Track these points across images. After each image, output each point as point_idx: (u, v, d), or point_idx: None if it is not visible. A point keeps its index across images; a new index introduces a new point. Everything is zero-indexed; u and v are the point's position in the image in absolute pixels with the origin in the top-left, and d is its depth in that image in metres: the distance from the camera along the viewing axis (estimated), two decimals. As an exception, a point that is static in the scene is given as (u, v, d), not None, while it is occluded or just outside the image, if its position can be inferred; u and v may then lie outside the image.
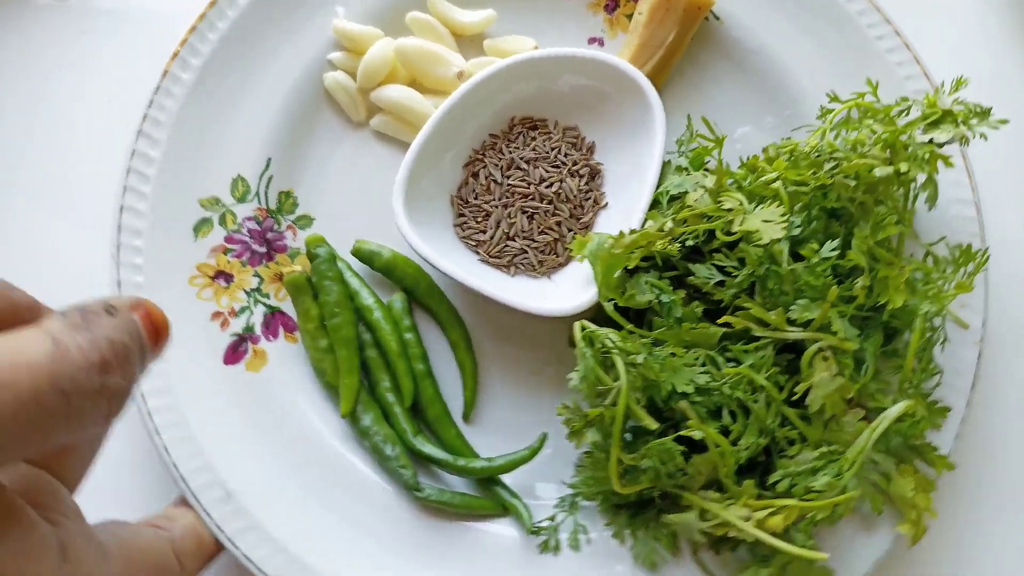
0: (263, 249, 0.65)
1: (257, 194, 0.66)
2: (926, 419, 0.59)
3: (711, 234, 0.58)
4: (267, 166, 0.66)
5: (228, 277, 0.64)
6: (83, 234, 0.68)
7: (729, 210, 0.54)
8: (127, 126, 0.63)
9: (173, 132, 0.64)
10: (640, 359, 0.54)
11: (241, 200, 0.66)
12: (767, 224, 0.53)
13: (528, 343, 0.66)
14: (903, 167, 0.56)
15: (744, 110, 0.70)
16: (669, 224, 0.56)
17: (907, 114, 0.62)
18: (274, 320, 0.64)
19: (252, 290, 0.64)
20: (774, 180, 0.57)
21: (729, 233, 0.56)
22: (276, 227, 0.66)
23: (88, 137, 0.71)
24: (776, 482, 0.55)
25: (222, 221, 0.65)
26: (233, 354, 0.62)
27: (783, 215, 0.53)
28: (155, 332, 0.36)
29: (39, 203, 0.70)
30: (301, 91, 0.68)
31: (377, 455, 0.61)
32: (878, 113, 0.63)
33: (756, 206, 0.56)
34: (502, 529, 0.62)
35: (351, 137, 0.69)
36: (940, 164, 0.58)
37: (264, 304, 0.64)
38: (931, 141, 0.58)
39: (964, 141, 0.59)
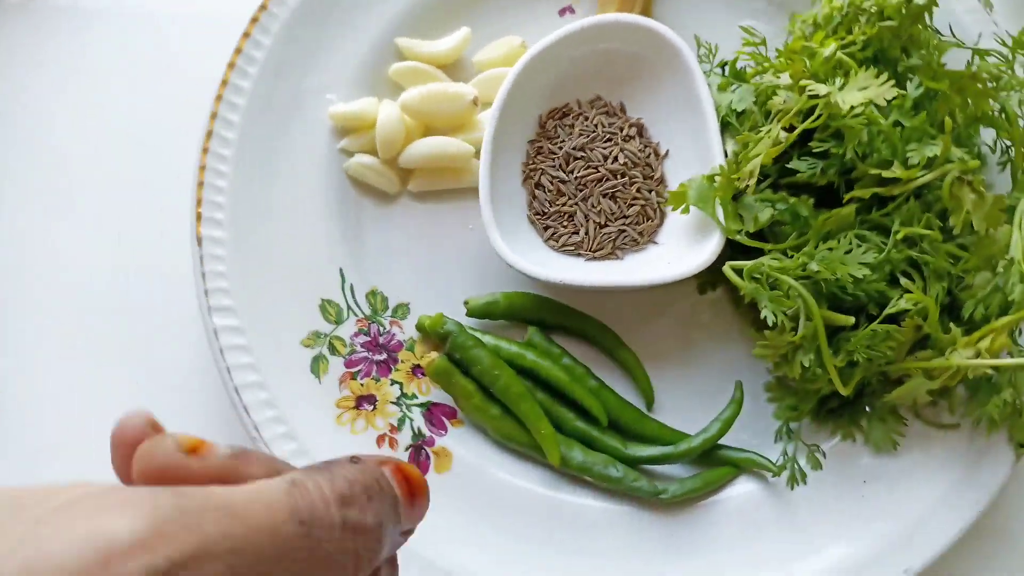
0: (383, 356, 0.62)
1: (350, 307, 0.63)
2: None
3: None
4: (343, 278, 0.63)
5: (371, 399, 0.61)
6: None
7: (825, 95, 0.54)
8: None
9: (242, 291, 0.60)
10: (813, 266, 0.54)
11: (338, 321, 0.62)
12: (868, 91, 0.53)
13: (666, 314, 0.65)
14: (937, -18, 0.57)
15: (732, 5, 0.70)
16: (781, 133, 0.56)
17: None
18: (433, 415, 0.61)
19: (398, 398, 0.61)
20: (833, 54, 0.58)
21: (829, 119, 0.56)
22: (383, 329, 0.63)
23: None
24: (970, 315, 0.57)
25: (333, 350, 0.61)
26: (419, 467, 0.59)
27: (876, 75, 0.54)
28: (410, 490, 0.33)
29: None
30: (331, 192, 0.64)
31: (606, 482, 0.59)
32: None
33: (834, 82, 0.57)
34: (736, 491, 0.61)
35: (397, 210, 0.66)
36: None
37: (416, 405, 0.61)
38: (937, -48, 0.59)
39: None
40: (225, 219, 0.61)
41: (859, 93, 0.54)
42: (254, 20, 0.64)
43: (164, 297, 0.66)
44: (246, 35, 0.64)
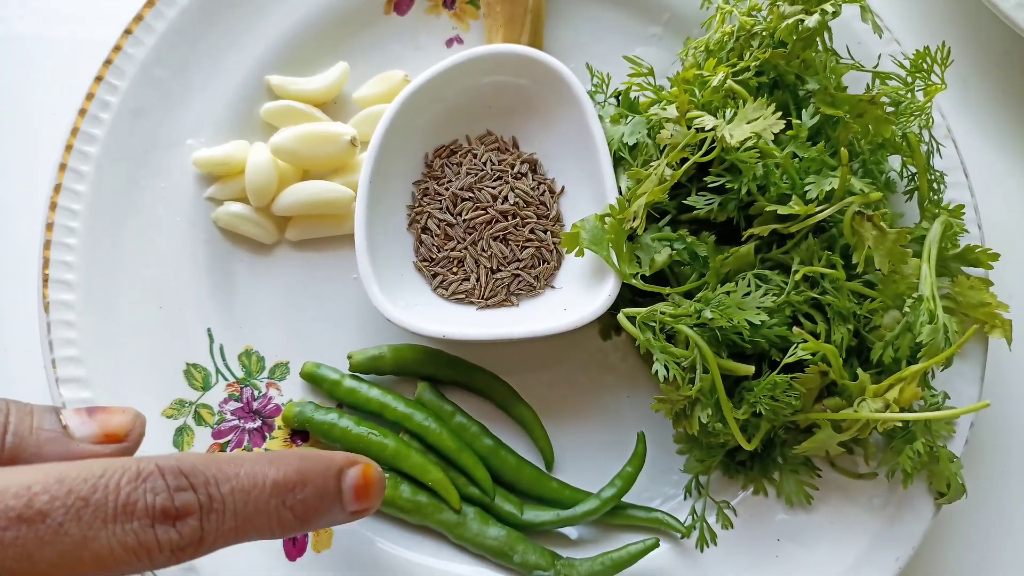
0: (257, 423, 0.57)
1: (219, 371, 0.57)
2: (951, 223, 0.58)
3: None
4: (211, 338, 0.58)
5: (241, 472, 0.55)
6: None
7: (712, 128, 0.51)
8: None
9: (95, 359, 0.54)
10: (707, 314, 0.50)
11: (206, 387, 0.57)
12: (756, 124, 0.50)
13: (567, 362, 0.61)
14: (828, 7, 0.54)
15: (627, 33, 0.67)
16: (667, 172, 0.52)
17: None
18: (313, 486, 0.56)
19: (273, 470, 0.56)
20: (723, 81, 0.54)
21: (722, 152, 0.52)
22: (257, 393, 0.58)
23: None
24: (878, 359, 0.53)
25: (199, 420, 0.56)
26: (294, 547, 0.54)
27: (765, 106, 0.50)
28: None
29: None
30: (198, 245, 0.59)
31: (503, 559, 0.54)
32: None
33: (724, 114, 0.53)
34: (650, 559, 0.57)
35: (274, 261, 0.61)
36: None
37: (293, 477, 0.56)
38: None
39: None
40: (76, 280, 0.56)
41: (747, 126, 0.50)
42: (107, 63, 0.59)
43: (4, 369, 0.60)
44: (99, 79, 0.59)
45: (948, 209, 0.59)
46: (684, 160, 0.54)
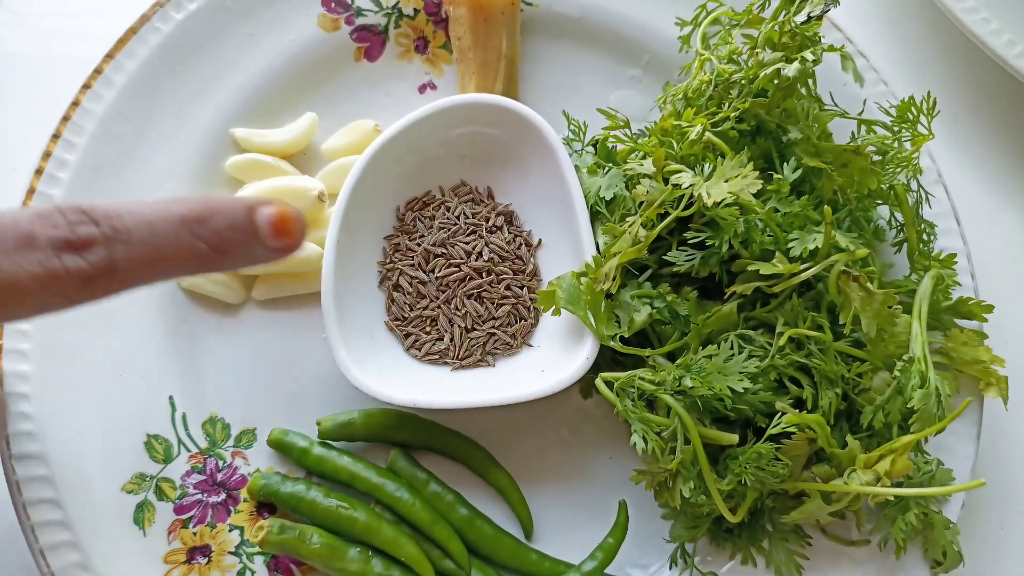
0: (221, 496, 0.54)
1: (181, 441, 0.55)
2: (943, 276, 0.56)
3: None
4: (173, 407, 0.55)
5: (204, 550, 0.53)
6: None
7: (690, 185, 0.49)
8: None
9: (50, 433, 0.52)
10: (688, 382, 0.48)
11: (167, 460, 0.54)
12: (736, 181, 0.48)
13: (546, 422, 0.58)
14: (808, 56, 0.52)
15: (605, 76, 0.65)
16: (641, 232, 0.50)
17: (768, 6, 0.59)
18: (280, 563, 0.54)
19: (238, 547, 0.53)
20: (700, 135, 0.52)
21: (700, 213, 0.50)
22: (222, 463, 0.55)
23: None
24: (868, 423, 0.51)
25: (161, 495, 0.53)
26: (260, 626, 0.52)
27: (742, 164, 0.48)
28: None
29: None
30: (160, 308, 0.57)
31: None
32: (740, 17, 0.59)
33: (703, 168, 0.51)
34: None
35: (240, 321, 0.58)
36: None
37: (260, 553, 0.54)
38: (810, 17, 0.54)
39: (834, 1, 0.56)
40: (31, 349, 0.53)
41: (725, 185, 0.48)
42: (65, 119, 0.57)
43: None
44: (56, 137, 0.57)
45: (939, 259, 0.57)
46: (662, 216, 0.52)
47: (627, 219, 0.54)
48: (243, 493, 0.55)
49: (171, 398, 0.55)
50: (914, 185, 0.57)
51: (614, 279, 0.51)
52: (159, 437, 0.54)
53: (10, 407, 0.52)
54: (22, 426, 0.52)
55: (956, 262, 0.58)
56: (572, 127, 0.61)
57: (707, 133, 0.52)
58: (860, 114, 0.57)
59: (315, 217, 0.59)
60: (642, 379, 0.50)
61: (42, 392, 0.53)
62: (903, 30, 0.72)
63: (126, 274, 0.39)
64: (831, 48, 0.51)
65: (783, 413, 0.48)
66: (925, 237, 0.57)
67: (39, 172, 0.56)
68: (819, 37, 0.53)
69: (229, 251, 0.42)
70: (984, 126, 0.70)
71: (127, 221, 0.40)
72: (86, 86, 0.58)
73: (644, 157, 0.54)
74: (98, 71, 0.58)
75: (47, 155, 0.56)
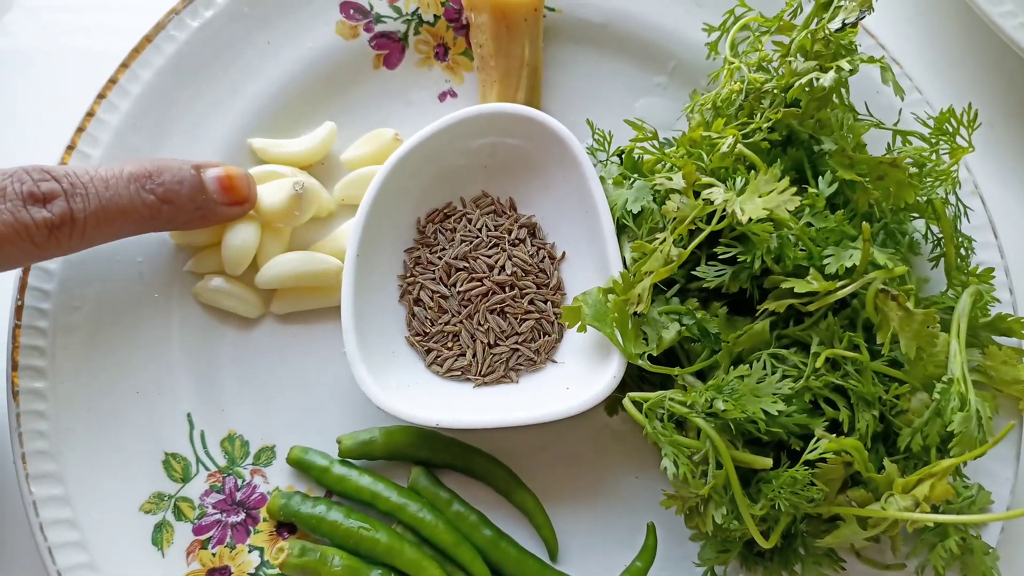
0: (240, 516, 0.53)
1: (199, 460, 0.54)
2: (981, 293, 0.55)
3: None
4: (191, 424, 0.54)
5: (224, 572, 0.52)
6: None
7: (723, 201, 0.47)
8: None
9: (67, 453, 0.51)
10: (720, 404, 0.47)
11: (185, 479, 0.53)
12: (769, 199, 0.46)
13: (570, 440, 0.57)
14: (845, 65, 0.50)
15: (630, 83, 0.63)
16: (674, 251, 0.48)
17: (800, 13, 0.57)
18: (300, 583, 0.53)
19: (258, 568, 0.52)
20: (731, 147, 0.51)
21: (730, 227, 0.49)
22: (241, 482, 0.54)
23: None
24: (906, 446, 0.49)
25: (179, 515, 0.52)
26: (281, 652, 0.51)
27: (776, 179, 0.47)
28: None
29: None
30: (176, 322, 0.56)
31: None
32: (771, 23, 0.57)
33: (734, 182, 0.49)
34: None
35: (259, 336, 0.57)
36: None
37: (280, 575, 0.52)
38: (844, 25, 0.53)
39: (868, 6, 0.54)
40: (46, 366, 0.53)
41: (759, 201, 0.47)
42: (80, 130, 0.56)
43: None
44: (71, 148, 0.56)
45: (977, 274, 0.55)
46: (692, 232, 0.50)
47: (656, 234, 0.52)
48: (263, 513, 0.54)
49: (189, 415, 0.54)
50: (951, 198, 0.55)
51: (646, 301, 0.49)
52: (177, 455, 0.53)
53: (26, 425, 0.51)
54: (38, 445, 0.51)
55: (994, 276, 0.56)
56: (597, 137, 0.60)
57: (738, 145, 0.50)
58: (895, 124, 0.55)
59: (294, 210, 0.56)
60: (672, 400, 0.48)
61: (58, 410, 0.52)
62: (935, 34, 0.70)
63: (85, 224, 0.47)
64: (871, 59, 0.49)
65: (819, 438, 0.46)
66: (963, 252, 0.55)
67: (54, 184, 0.55)
68: (855, 46, 0.52)
69: (177, 202, 0.49)
70: (1020, 133, 0.68)
71: (84, 179, 0.47)
72: (101, 96, 0.57)
73: (671, 170, 0.52)
74: (113, 81, 0.57)
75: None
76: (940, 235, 0.55)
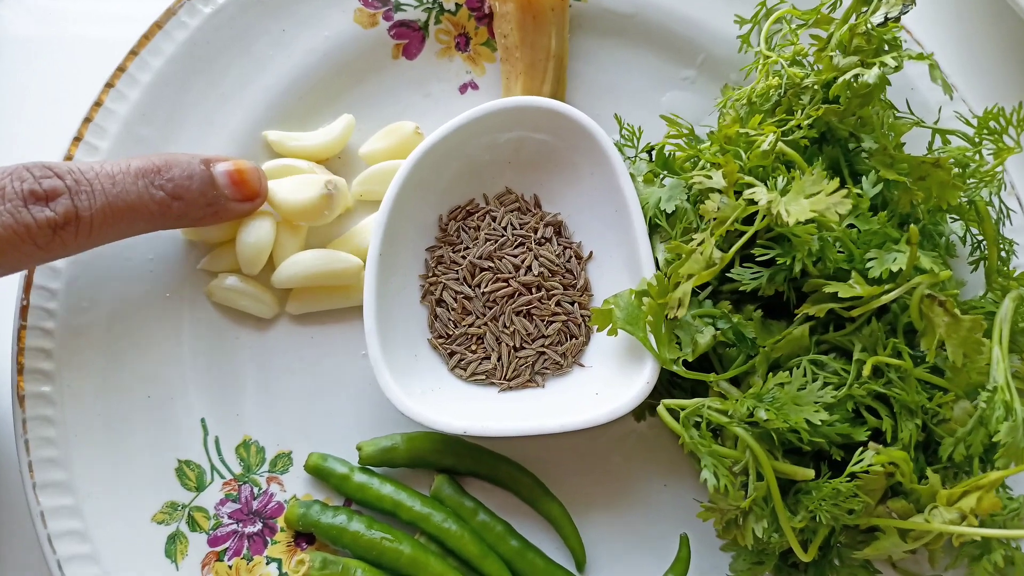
0: (257, 526, 0.51)
1: (214, 468, 0.52)
2: (1022, 296, 0.53)
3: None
4: (205, 430, 0.52)
5: (241, 584, 0.50)
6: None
7: (767, 202, 0.45)
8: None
9: (76, 461, 0.49)
10: (761, 414, 0.45)
11: (200, 487, 0.51)
12: (816, 200, 0.44)
13: (597, 446, 0.55)
14: (889, 61, 0.48)
15: (658, 76, 0.61)
16: (716, 253, 0.46)
17: (839, 7, 0.55)
18: (320, 595, 0.51)
19: (276, 580, 0.50)
20: (772, 146, 0.49)
21: (767, 227, 0.47)
22: (257, 490, 0.52)
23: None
24: (948, 455, 0.48)
25: (193, 525, 0.50)
26: (301, 666, 0.49)
27: (825, 178, 0.45)
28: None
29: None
30: (188, 323, 0.54)
31: None
32: (808, 16, 0.55)
33: (774, 182, 0.47)
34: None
35: (274, 337, 0.55)
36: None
37: (299, 586, 0.51)
38: (887, 19, 0.51)
39: (912, 1, 0.52)
40: (54, 369, 0.50)
41: (806, 202, 0.45)
42: (87, 120, 0.53)
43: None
44: (77, 139, 0.53)
45: (1015, 277, 0.54)
46: (729, 233, 0.49)
47: (691, 235, 0.51)
48: (280, 522, 0.52)
49: (203, 420, 0.52)
50: (994, 200, 0.53)
51: (685, 306, 0.47)
52: (191, 463, 0.51)
53: (32, 432, 0.49)
54: (46, 452, 0.49)
55: (1032, 274, 0.55)
56: (625, 132, 0.58)
57: (779, 144, 0.49)
58: (936, 123, 0.54)
59: (324, 210, 0.54)
60: (711, 408, 0.47)
61: (66, 416, 0.50)
62: (968, 29, 0.68)
63: (91, 223, 0.44)
64: (919, 56, 0.47)
65: (863, 448, 0.45)
66: (1003, 255, 0.54)
67: (60, 178, 0.52)
68: (899, 41, 0.50)
69: (188, 198, 0.47)
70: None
71: (89, 175, 0.44)
72: (109, 85, 0.54)
73: (706, 167, 0.50)
74: (121, 69, 0.54)
75: (68, 159, 0.53)
76: (980, 237, 0.53)
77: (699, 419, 0.47)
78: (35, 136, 0.59)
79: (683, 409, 0.48)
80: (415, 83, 0.60)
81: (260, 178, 0.51)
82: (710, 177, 0.48)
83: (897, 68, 0.49)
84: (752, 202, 0.47)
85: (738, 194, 0.49)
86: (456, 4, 0.60)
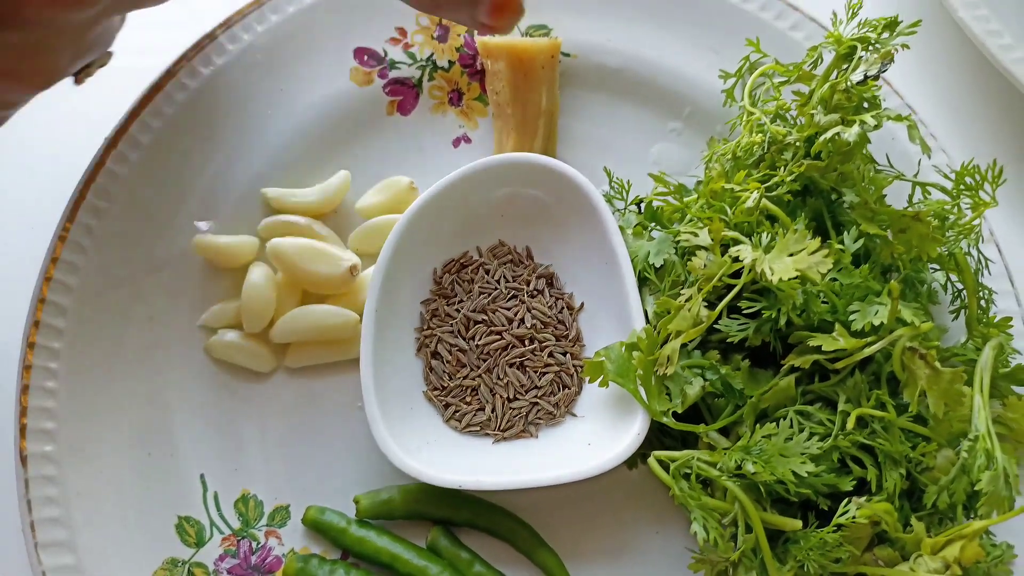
0: (257, 579, 0.52)
1: (213, 523, 0.52)
2: (1003, 346, 0.54)
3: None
4: (205, 486, 0.53)
5: (241, 640, 0.51)
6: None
7: (751, 260, 0.47)
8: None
9: (78, 520, 0.50)
10: (749, 466, 0.46)
11: (199, 543, 0.52)
12: (799, 259, 0.46)
13: (590, 495, 0.56)
14: (869, 120, 0.50)
15: (646, 129, 0.63)
16: (703, 311, 0.48)
17: (820, 63, 0.57)
18: (319, 649, 0.51)
19: (276, 634, 0.51)
20: (757, 203, 0.50)
21: (753, 280, 0.48)
22: (256, 545, 0.53)
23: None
24: (932, 503, 0.49)
25: (193, 581, 0.51)
26: None
27: (807, 236, 0.46)
28: None
29: None
30: (189, 379, 0.55)
31: None
32: (791, 74, 0.57)
33: (759, 238, 0.49)
34: None
35: (271, 390, 0.56)
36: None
37: (298, 640, 0.51)
38: (867, 77, 0.53)
39: (889, 59, 0.54)
40: (56, 429, 0.51)
41: (789, 260, 0.46)
42: (89, 182, 0.55)
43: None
44: (79, 200, 0.54)
45: (995, 323, 0.55)
46: (718, 288, 0.50)
47: (680, 289, 0.52)
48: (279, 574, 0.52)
49: (202, 476, 0.53)
50: (973, 251, 0.55)
51: (675, 363, 0.48)
52: (190, 519, 0.52)
53: (35, 491, 0.50)
54: (47, 511, 0.50)
55: (1012, 325, 0.56)
56: (615, 185, 0.59)
57: (763, 200, 0.50)
58: (915, 175, 0.55)
59: (342, 289, 0.56)
60: (700, 461, 0.48)
61: (68, 474, 0.51)
62: (945, 77, 0.70)
63: None
64: (898, 117, 0.49)
65: (849, 500, 0.46)
66: (983, 304, 0.55)
67: (62, 239, 0.54)
68: (879, 100, 0.52)
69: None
70: (1029, 175, 0.68)
71: None
72: (112, 145, 0.56)
73: (692, 222, 0.52)
74: (123, 130, 0.56)
75: (70, 219, 0.54)
76: (960, 286, 0.55)
77: (688, 470, 0.48)
78: (32, 200, 0.60)
79: (673, 461, 0.49)
80: (410, 137, 0.61)
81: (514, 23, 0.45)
82: (696, 234, 0.50)
83: (877, 127, 0.51)
84: (737, 259, 0.48)
85: (726, 246, 0.50)
86: (449, 61, 0.62)
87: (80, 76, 0.46)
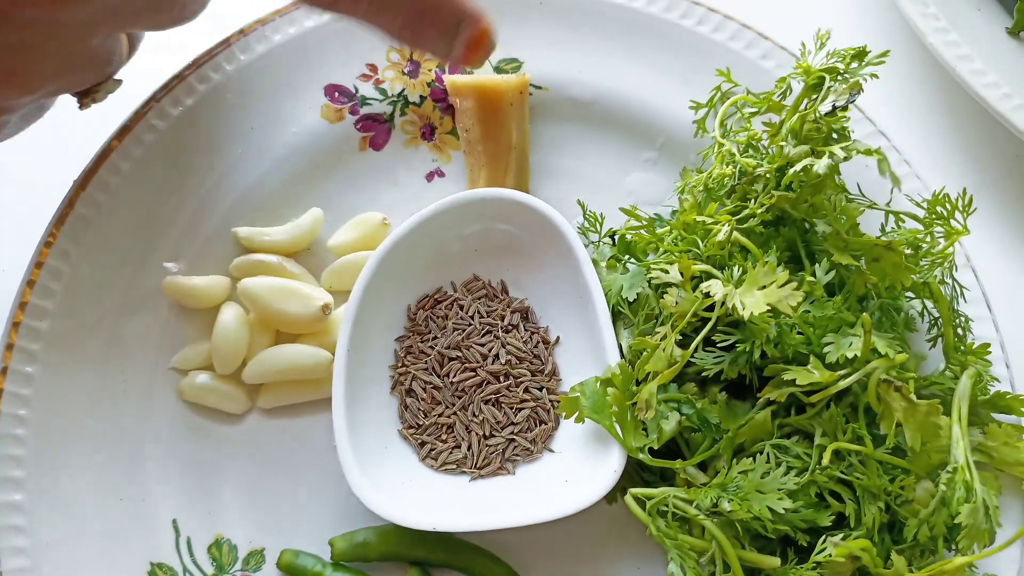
0: (231, 626, 0.51)
1: (186, 570, 0.52)
2: (981, 374, 0.54)
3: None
4: (177, 531, 0.52)
5: None
6: None
7: (718, 296, 0.46)
8: None
9: (47, 569, 0.49)
10: (726, 504, 0.46)
11: (172, 591, 0.51)
12: (771, 291, 0.45)
13: (568, 532, 0.55)
14: (839, 151, 0.50)
15: (619, 159, 0.63)
16: (676, 351, 0.47)
17: (790, 94, 0.57)
18: None
19: None
20: (728, 236, 0.50)
21: (727, 316, 0.48)
22: (229, 590, 0.52)
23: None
24: (912, 536, 0.48)
25: (165, 632, 0.50)
26: None
27: (775, 270, 0.46)
28: None
29: None
30: (160, 423, 0.54)
31: None
32: (761, 103, 0.57)
33: (731, 271, 0.49)
34: None
35: (244, 431, 0.56)
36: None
37: None
38: (835, 108, 0.53)
39: (858, 89, 0.54)
40: (24, 477, 0.50)
41: (759, 294, 0.46)
42: (59, 223, 0.54)
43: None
44: (49, 243, 0.54)
45: (973, 349, 0.55)
46: (692, 322, 0.50)
47: (655, 326, 0.52)
48: (253, 622, 0.51)
49: (175, 521, 0.52)
50: (948, 279, 0.54)
51: (653, 407, 0.48)
52: (163, 565, 0.51)
53: (3, 541, 0.49)
54: (17, 562, 0.49)
55: (990, 351, 0.56)
56: (588, 217, 0.59)
57: (734, 234, 0.50)
58: (888, 204, 0.55)
59: (315, 328, 0.56)
60: (677, 498, 0.47)
61: (37, 523, 0.50)
62: (919, 100, 0.71)
63: None
64: (867, 151, 0.49)
65: (827, 537, 0.45)
66: (960, 332, 0.55)
67: (31, 283, 0.53)
68: (848, 131, 0.52)
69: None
70: (1005, 199, 0.68)
71: None
72: (81, 187, 0.55)
73: (665, 255, 0.52)
74: (92, 172, 0.56)
75: (39, 264, 0.54)
76: (937, 314, 0.55)
77: (665, 508, 0.48)
78: (4, 242, 0.59)
79: (649, 499, 0.49)
80: (382, 172, 0.61)
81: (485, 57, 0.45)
82: (667, 271, 0.50)
83: (847, 159, 0.50)
84: (708, 295, 0.48)
85: (699, 279, 0.50)
86: (420, 96, 0.62)
87: (84, 100, 0.46)
